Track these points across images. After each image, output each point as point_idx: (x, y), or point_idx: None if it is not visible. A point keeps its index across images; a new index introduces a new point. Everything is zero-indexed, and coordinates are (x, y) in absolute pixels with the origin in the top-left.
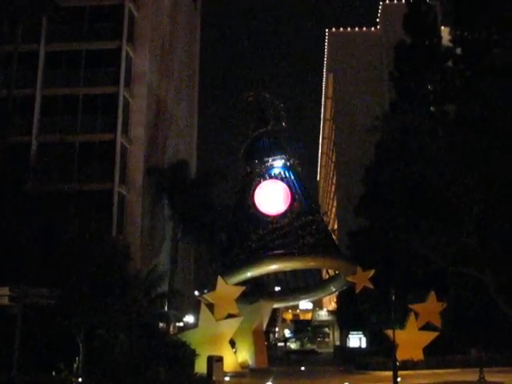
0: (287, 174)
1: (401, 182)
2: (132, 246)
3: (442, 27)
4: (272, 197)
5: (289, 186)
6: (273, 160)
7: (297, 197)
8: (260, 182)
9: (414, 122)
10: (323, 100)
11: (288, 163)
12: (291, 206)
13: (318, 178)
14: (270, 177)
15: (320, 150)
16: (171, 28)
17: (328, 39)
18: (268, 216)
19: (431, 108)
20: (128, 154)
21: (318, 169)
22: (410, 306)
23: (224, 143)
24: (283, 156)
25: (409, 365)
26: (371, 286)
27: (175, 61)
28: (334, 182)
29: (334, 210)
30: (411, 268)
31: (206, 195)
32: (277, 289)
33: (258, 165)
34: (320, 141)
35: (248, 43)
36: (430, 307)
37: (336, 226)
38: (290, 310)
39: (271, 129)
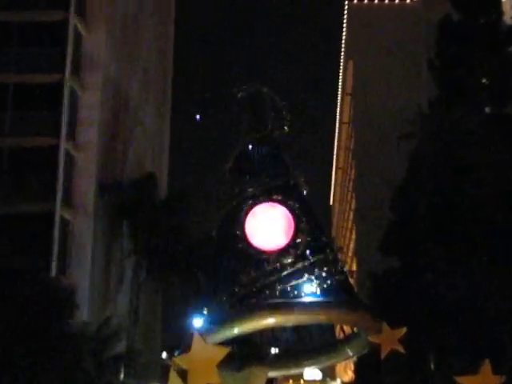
0: (290, 196)
1: (444, 208)
2: (78, 291)
3: None
4: (269, 226)
5: (292, 212)
6: (271, 176)
7: (302, 226)
8: (253, 207)
9: (461, 128)
10: (339, 97)
11: (291, 181)
12: (295, 239)
13: (332, 202)
14: (267, 199)
15: (334, 164)
16: (137, 1)
17: (347, 14)
18: (263, 252)
19: (486, 109)
20: (75, 166)
21: (332, 189)
22: (457, 379)
23: (205, 153)
24: (285, 171)
25: None
26: (401, 350)
27: (142, 45)
28: (353, 206)
29: (351, 244)
30: (458, 325)
31: (179, 221)
32: (273, 351)
33: (251, 183)
34: (334, 151)
35: (239, 24)
36: (484, 381)
37: (355, 267)
38: (291, 381)
39: (269, 134)
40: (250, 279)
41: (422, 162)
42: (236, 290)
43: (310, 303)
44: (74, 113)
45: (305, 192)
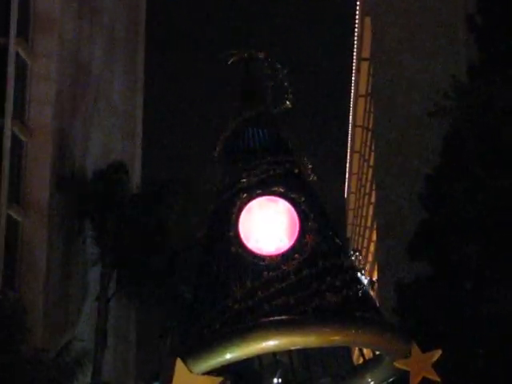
0: (294, 188)
1: (488, 205)
2: (31, 309)
3: None
4: (268, 225)
5: (296, 208)
6: (270, 163)
7: (309, 225)
8: (248, 201)
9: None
10: (355, 63)
11: (295, 169)
12: (300, 240)
13: (346, 194)
14: (265, 191)
15: (349, 147)
16: None
17: None
18: (261, 258)
19: None
20: (25, 154)
21: (346, 179)
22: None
23: (188, 136)
24: (287, 157)
25: None
26: (436, 378)
27: (106, 4)
28: (373, 200)
29: (372, 247)
30: (507, 348)
31: (156, 221)
32: (276, 381)
33: (245, 171)
34: (349, 131)
35: None
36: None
37: (376, 275)
38: None
39: (267, 111)
40: (246, 291)
41: (459, 144)
42: (228, 304)
43: (321, 321)
44: (23, 86)
45: (312, 182)
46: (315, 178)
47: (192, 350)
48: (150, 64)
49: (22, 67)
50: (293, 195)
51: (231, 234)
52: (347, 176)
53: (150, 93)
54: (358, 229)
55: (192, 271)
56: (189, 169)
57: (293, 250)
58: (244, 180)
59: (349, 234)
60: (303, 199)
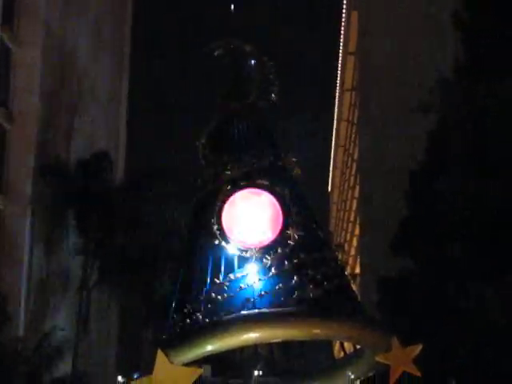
0: (278, 181)
1: (472, 202)
2: (11, 297)
3: None
4: (251, 218)
5: (280, 201)
6: (254, 156)
7: (293, 218)
8: (232, 194)
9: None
10: (340, 56)
11: (279, 162)
12: (283, 234)
13: (330, 188)
14: (249, 184)
15: (333, 142)
16: None
17: None
18: (244, 250)
19: None
20: (8, 141)
21: (330, 172)
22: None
23: (173, 127)
24: (272, 150)
25: None
26: (416, 372)
27: None
28: (356, 194)
29: (354, 241)
30: (488, 343)
31: (140, 212)
32: (257, 373)
33: (230, 164)
34: (334, 126)
35: None
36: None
37: (358, 270)
38: None
39: (253, 103)
40: (228, 283)
41: (444, 141)
42: (210, 296)
43: (303, 314)
44: (7, 74)
45: (296, 175)
46: (299, 171)
47: (173, 342)
48: (135, 56)
49: (6, 54)
50: (277, 188)
51: (214, 225)
52: (331, 170)
53: (135, 85)
54: (341, 223)
55: (174, 262)
56: (173, 160)
57: (275, 242)
58: (228, 172)
59: (332, 228)
60: (287, 192)
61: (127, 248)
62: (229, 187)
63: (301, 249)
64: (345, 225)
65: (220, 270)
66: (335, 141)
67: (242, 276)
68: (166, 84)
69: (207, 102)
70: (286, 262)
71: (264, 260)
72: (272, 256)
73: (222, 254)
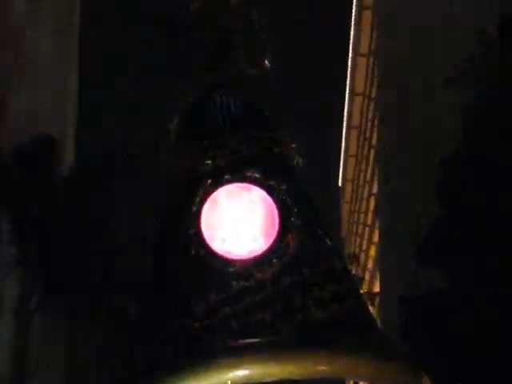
0: (273, 173)
1: None
2: None
3: None
4: (239, 221)
5: (275, 199)
6: (242, 141)
7: (293, 221)
8: (213, 190)
9: None
10: (354, 11)
11: (275, 149)
12: (280, 241)
13: (341, 183)
14: (236, 178)
15: (345, 121)
16: None
17: None
18: (230, 262)
19: None
20: None
21: (341, 162)
22: None
23: (136, 105)
24: (265, 133)
25: None
26: None
27: None
28: (375, 190)
29: (372, 250)
30: None
31: (95, 213)
32: None
33: (210, 151)
34: (346, 101)
35: None
36: None
37: (378, 287)
38: None
39: (240, 73)
40: (209, 306)
41: (485, 119)
42: (187, 323)
43: (304, 345)
44: None
45: (297, 166)
46: (301, 160)
47: (143, 382)
48: (86, 24)
49: None
50: (271, 182)
51: (191, 231)
52: (342, 159)
53: (87, 48)
54: (355, 227)
55: (140, 277)
56: (138, 145)
57: (270, 252)
58: (208, 162)
59: (344, 234)
60: (285, 187)
61: (79, 259)
62: (209, 181)
63: (303, 260)
64: (360, 230)
65: (198, 290)
66: (347, 120)
67: (228, 297)
68: (127, 45)
69: (181, 72)
70: (284, 278)
71: (255, 275)
72: (266, 270)
73: (200, 269)
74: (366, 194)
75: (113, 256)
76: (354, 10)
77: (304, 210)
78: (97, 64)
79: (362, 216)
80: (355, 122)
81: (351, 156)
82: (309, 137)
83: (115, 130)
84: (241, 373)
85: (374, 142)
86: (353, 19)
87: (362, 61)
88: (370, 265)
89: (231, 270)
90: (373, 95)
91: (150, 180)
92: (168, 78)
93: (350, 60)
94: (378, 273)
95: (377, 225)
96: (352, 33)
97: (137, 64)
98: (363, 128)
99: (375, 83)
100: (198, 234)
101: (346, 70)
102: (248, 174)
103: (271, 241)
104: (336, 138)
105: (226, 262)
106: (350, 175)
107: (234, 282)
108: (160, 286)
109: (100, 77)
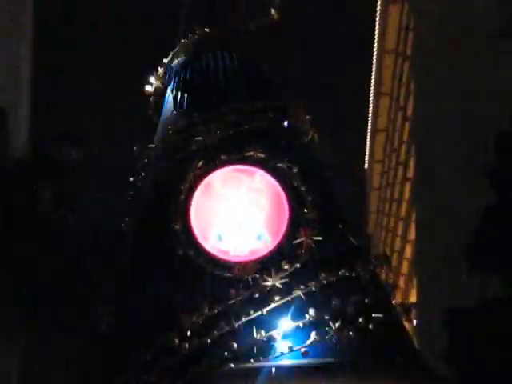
0: (282, 152)
1: None
2: None
3: None
4: (238, 214)
5: (284, 185)
6: (242, 112)
7: (306, 214)
8: (206, 174)
9: None
10: None
11: (284, 122)
12: (290, 238)
13: (368, 164)
14: (234, 159)
15: (372, 87)
16: None
17: None
18: (227, 266)
19: None
20: None
21: (368, 139)
22: None
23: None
24: (270, 102)
25: None
26: None
27: None
28: (411, 173)
29: (408, 250)
30: None
31: (58, 203)
32: None
33: (202, 124)
34: (373, 61)
35: None
36: None
37: (413, 297)
38: None
39: (239, 28)
40: (201, 322)
41: None
42: (173, 343)
43: (320, 371)
44: None
45: (312, 143)
46: (316, 136)
47: None
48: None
49: None
50: (279, 164)
51: (178, 226)
52: (369, 133)
53: (44, 12)
54: (385, 220)
55: (115, 283)
56: (110, 120)
57: (278, 253)
58: (199, 138)
59: (371, 230)
60: (296, 171)
61: (42, 264)
62: (200, 163)
63: (320, 264)
64: (392, 223)
65: (187, 300)
66: (376, 85)
67: (225, 309)
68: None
69: (160, 27)
70: (297, 287)
71: (259, 283)
72: (273, 275)
73: (189, 274)
74: (398, 178)
75: (77, 255)
76: None
77: (320, 200)
78: (56, 29)
79: (394, 206)
80: (386, 88)
81: (380, 130)
82: (329, 106)
83: (76, 106)
84: None
85: (408, 113)
86: (377, 13)
87: (394, 10)
88: (404, 268)
89: (229, 275)
90: (408, 51)
91: (127, 163)
92: (144, 40)
93: (378, 5)
94: (414, 279)
95: (413, 217)
96: None
97: (109, 27)
98: (395, 95)
99: (410, 38)
100: (187, 229)
101: (375, 16)
102: (249, 154)
103: (279, 239)
104: (363, 106)
105: (222, 265)
106: (378, 155)
107: (233, 291)
108: (139, 296)
109: (60, 48)
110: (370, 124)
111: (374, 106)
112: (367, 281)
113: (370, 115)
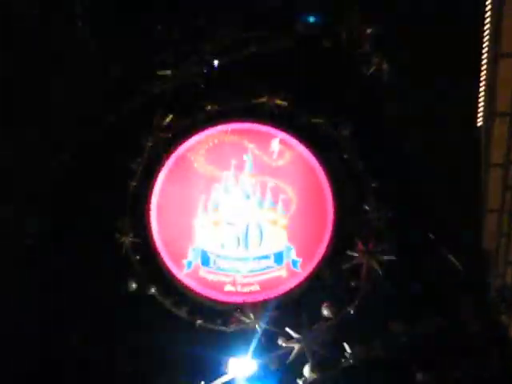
0: (321, 102)
1: None
2: None
3: None
4: (238, 214)
5: (326, 162)
6: (266, 32)
7: (373, 208)
8: (178, 143)
9: None
10: None
11: (336, 46)
12: (330, 251)
13: (483, 121)
14: (235, 112)
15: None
16: None
17: None
18: (213, 302)
19: None
20: None
21: (483, 76)
22: None
23: None
24: (316, 18)
25: None
26: None
27: None
28: None
29: None
30: None
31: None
32: None
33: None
34: None
35: None
36: None
37: None
38: None
39: None
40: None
41: None
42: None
43: None
44: None
45: (384, 87)
46: (394, 76)
47: None
48: None
49: None
50: (316, 120)
51: (127, 238)
52: (484, 72)
53: None
54: None
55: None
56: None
57: (317, 280)
58: (163, 85)
59: (488, 239)
60: (347, 134)
61: None
62: (165, 120)
63: (394, 286)
64: None
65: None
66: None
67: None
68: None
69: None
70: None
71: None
72: (309, 322)
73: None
74: None
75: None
76: None
77: (395, 189)
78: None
79: None
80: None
81: (505, 81)
82: (419, 27)
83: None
84: None
85: None
86: None
87: None
88: None
89: (231, 309)
90: None
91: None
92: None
93: None
94: None
95: None
96: None
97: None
98: None
99: None
100: (146, 240)
101: None
102: (262, 100)
103: (320, 256)
104: (477, 29)
105: (218, 296)
106: (502, 104)
107: (239, 341)
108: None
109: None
110: (485, 56)
111: (493, 33)
112: (471, 323)
113: (486, 46)
